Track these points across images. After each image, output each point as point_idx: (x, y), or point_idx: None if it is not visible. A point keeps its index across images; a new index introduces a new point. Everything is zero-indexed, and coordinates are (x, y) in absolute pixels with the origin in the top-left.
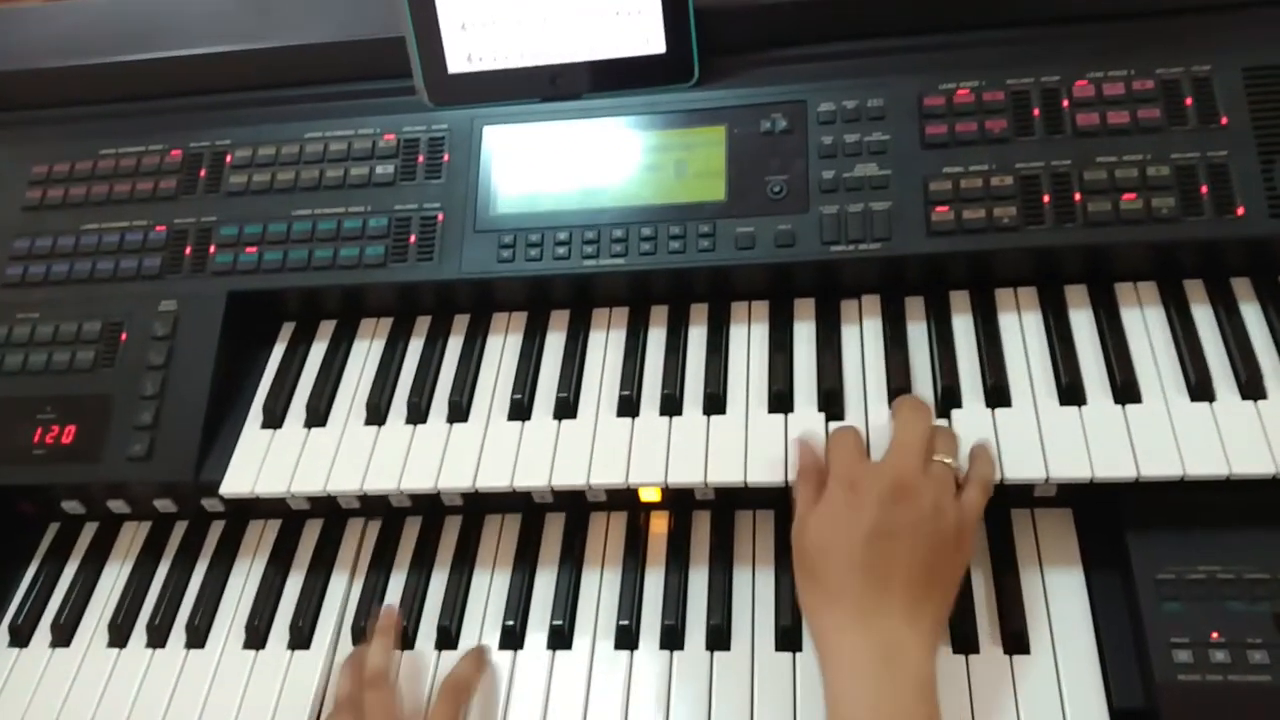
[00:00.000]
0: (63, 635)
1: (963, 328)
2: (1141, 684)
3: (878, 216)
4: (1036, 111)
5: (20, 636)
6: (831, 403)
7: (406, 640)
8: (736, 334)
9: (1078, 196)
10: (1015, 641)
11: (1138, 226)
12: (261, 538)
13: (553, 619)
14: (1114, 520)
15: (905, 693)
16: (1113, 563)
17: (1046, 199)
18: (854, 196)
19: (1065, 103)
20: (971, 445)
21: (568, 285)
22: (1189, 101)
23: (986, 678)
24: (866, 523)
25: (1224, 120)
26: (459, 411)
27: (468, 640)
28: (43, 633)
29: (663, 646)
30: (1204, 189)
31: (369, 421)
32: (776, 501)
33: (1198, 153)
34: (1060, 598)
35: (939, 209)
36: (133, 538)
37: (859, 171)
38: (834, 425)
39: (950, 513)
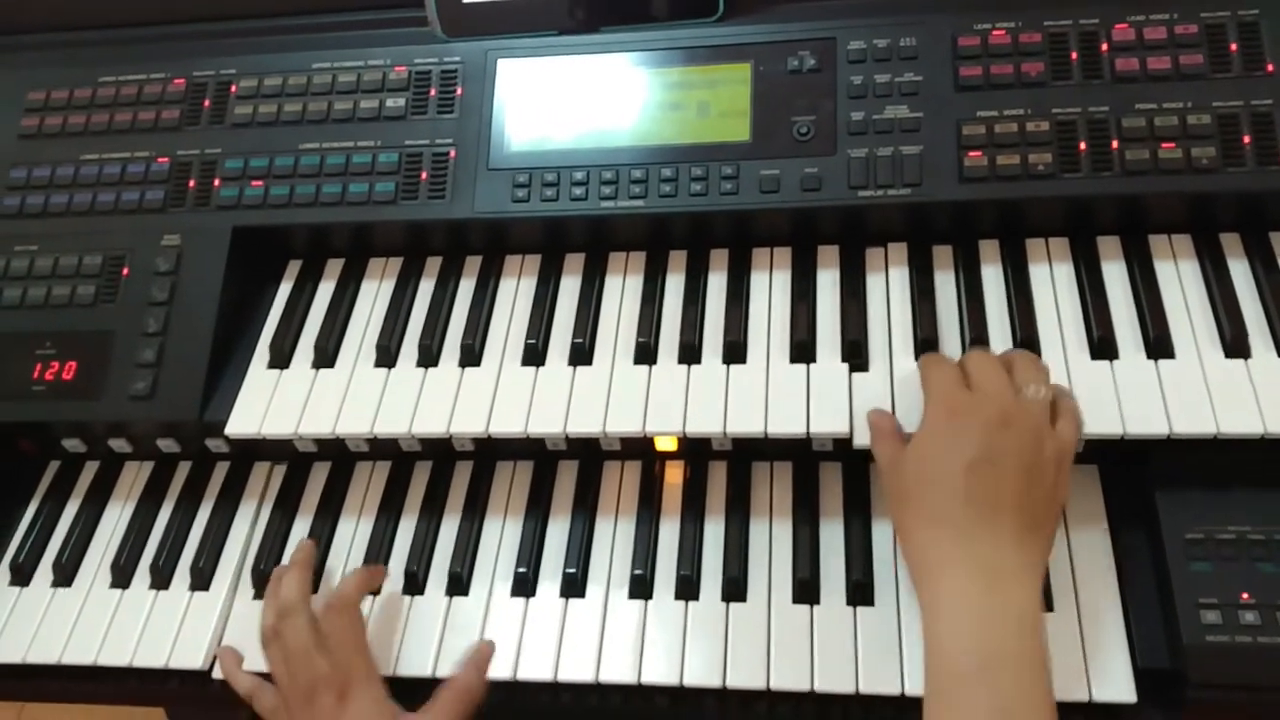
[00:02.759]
0: (64, 575)
1: (992, 278)
2: (1168, 644)
3: (908, 161)
4: (1074, 55)
5: (21, 575)
6: (855, 353)
7: (416, 585)
8: (758, 281)
9: (1115, 144)
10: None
11: (1177, 176)
12: (268, 480)
13: (566, 567)
14: (1141, 478)
15: (1009, 625)
16: (1139, 521)
17: (1083, 146)
18: (884, 139)
19: (1104, 46)
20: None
21: (584, 227)
22: (1234, 47)
23: None
24: (971, 449)
25: (1270, 68)
26: (471, 355)
27: (479, 586)
28: (44, 572)
29: (678, 597)
30: (1246, 139)
31: (379, 364)
32: (795, 453)
33: (1241, 101)
34: (1085, 556)
35: (972, 154)
36: (135, 478)
37: (889, 113)
38: (922, 359)
39: (1050, 443)
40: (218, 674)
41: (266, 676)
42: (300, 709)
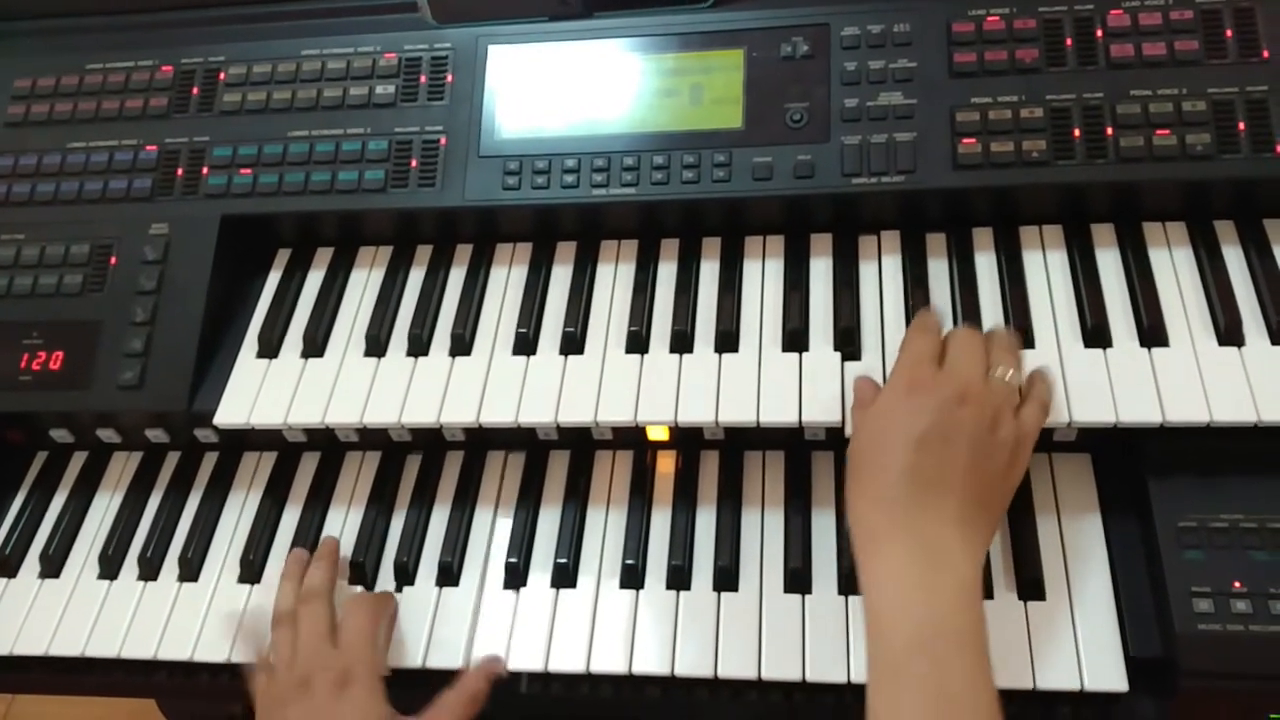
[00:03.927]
0: (52, 566)
1: (986, 266)
2: (1160, 633)
3: (902, 148)
4: (1069, 41)
5: (8, 566)
6: (848, 342)
7: (406, 576)
8: (750, 269)
9: (1109, 131)
10: (1031, 588)
11: (1171, 163)
12: (256, 470)
13: (557, 557)
14: (1134, 466)
15: (947, 597)
16: (1132, 509)
17: (1077, 133)
18: (877, 126)
19: (1099, 32)
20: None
21: (576, 215)
22: (1229, 33)
23: (1001, 624)
24: (922, 424)
25: (1265, 54)
26: (462, 345)
27: (470, 577)
28: (31, 563)
29: (669, 587)
30: (1241, 125)
31: (368, 353)
32: (787, 442)
33: (1236, 87)
34: (1077, 544)
35: (966, 141)
36: (123, 468)
37: (883, 100)
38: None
39: (1008, 427)
40: (201, 656)
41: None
42: (294, 694)
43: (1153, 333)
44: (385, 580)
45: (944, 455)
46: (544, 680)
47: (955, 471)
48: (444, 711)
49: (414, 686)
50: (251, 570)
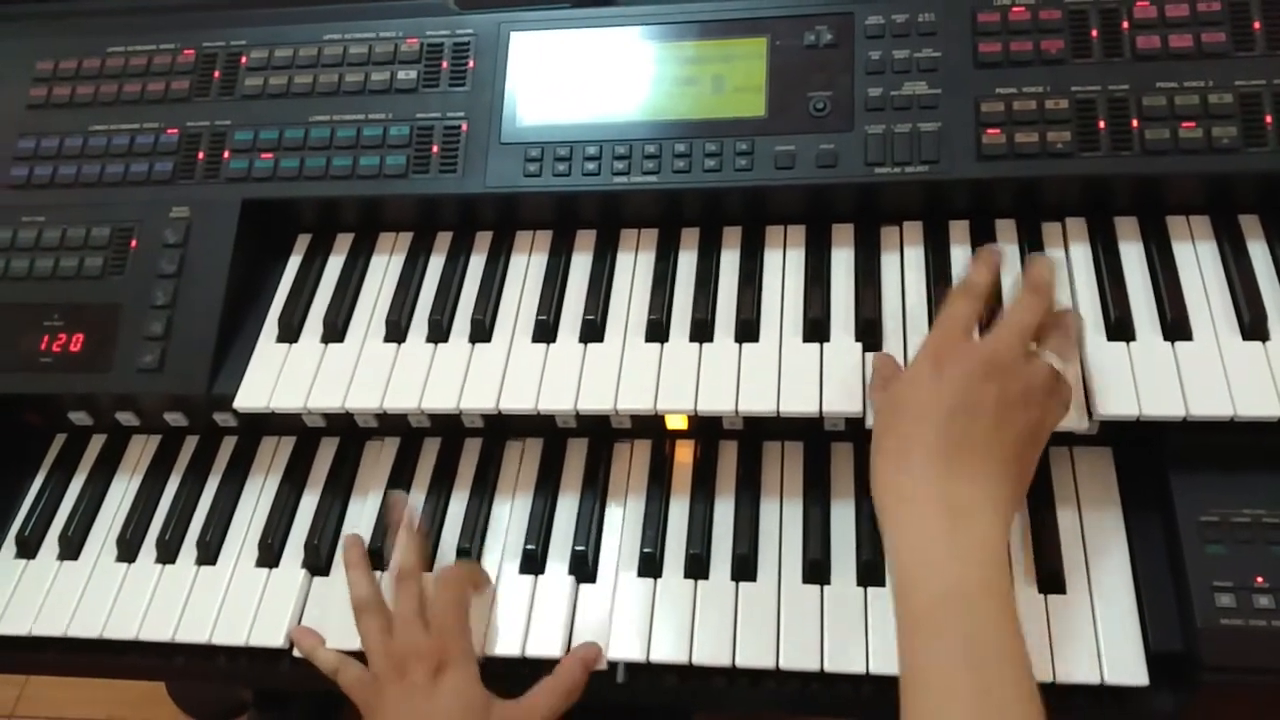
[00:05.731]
0: (70, 548)
1: (1008, 258)
2: (1181, 627)
3: (926, 138)
4: (1095, 32)
5: (27, 548)
6: (869, 332)
7: (426, 564)
8: (771, 259)
9: (1135, 123)
10: (1051, 581)
11: (1197, 156)
12: (275, 455)
13: (575, 545)
14: (1156, 460)
15: (975, 554)
16: (1153, 504)
17: (1102, 125)
18: (901, 116)
19: (1125, 24)
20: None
21: (597, 203)
22: (1257, 25)
23: (1021, 617)
24: (948, 398)
25: None
26: (482, 331)
27: (488, 564)
28: (50, 545)
29: (687, 576)
30: (1269, 119)
31: (388, 339)
32: (806, 432)
33: (1264, 80)
34: (1098, 538)
35: (990, 131)
36: (142, 451)
37: (907, 90)
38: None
39: (1035, 410)
40: (219, 639)
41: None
42: (392, 679)
43: (1176, 326)
44: None
45: (969, 428)
46: None
47: (978, 444)
48: (542, 696)
49: None
50: (270, 554)
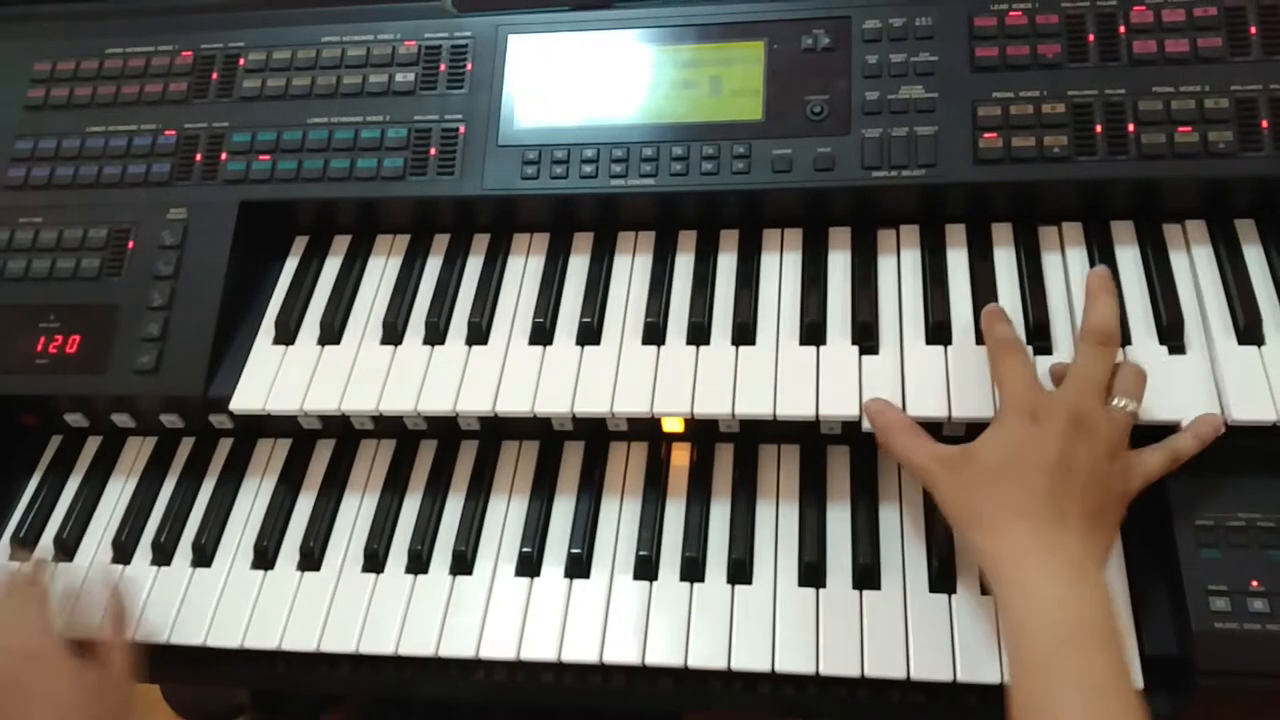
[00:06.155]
0: (66, 550)
1: (1005, 262)
2: (1175, 631)
3: (923, 141)
4: (1091, 37)
5: (23, 550)
6: (866, 336)
7: (420, 564)
8: (768, 262)
9: (1131, 127)
10: None
11: (1193, 161)
12: (271, 457)
13: (571, 547)
14: None
15: (1087, 601)
16: (1148, 507)
17: (1099, 129)
18: (898, 120)
19: (1122, 29)
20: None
21: (594, 206)
22: (1253, 30)
23: None
24: (1050, 455)
25: None
26: (478, 333)
27: (483, 566)
28: (45, 547)
29: (683, 579)
30: (1264, 123)
31: (385, 341)
32: (802, 436)
33: (1260, 85)
34: None
35: (987, 135)
36: (137, 453)
37: (904, 93)
38: (994, 341)
39: (1120, 463)
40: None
41: None
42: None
43: (1172, 331)
44: (398, 568)
45: (1068, 484)
46: (557, 670)
47: (1076, 499)
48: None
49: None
50: (265, 557)
